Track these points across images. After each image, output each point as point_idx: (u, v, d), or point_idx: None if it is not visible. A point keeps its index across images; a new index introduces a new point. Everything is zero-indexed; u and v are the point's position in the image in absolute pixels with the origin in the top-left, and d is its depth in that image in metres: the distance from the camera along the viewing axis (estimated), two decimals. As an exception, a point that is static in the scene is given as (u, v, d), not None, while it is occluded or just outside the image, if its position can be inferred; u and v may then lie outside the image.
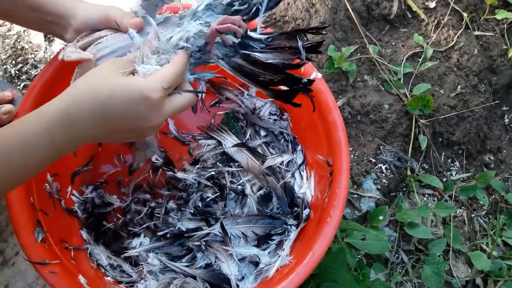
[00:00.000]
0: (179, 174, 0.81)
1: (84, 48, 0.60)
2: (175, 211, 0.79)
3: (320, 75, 0.76)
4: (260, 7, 0.58)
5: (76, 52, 0.58)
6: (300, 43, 0.58)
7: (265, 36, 0.58)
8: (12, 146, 0.48)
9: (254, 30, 0.59)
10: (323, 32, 0.69)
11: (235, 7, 0.58)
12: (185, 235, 0.77)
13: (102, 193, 0.79)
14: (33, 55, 0.95)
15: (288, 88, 0.61)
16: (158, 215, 0.78)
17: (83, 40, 0.61)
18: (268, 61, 0.58)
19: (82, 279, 0.65)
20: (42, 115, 0.50)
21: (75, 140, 0.51)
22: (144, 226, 0.78)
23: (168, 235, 0.77)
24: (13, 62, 0.94)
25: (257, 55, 0.58)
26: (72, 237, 0.73)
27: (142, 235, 0.78)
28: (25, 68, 0.93)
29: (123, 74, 0.52)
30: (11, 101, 0.86)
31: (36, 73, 0.93)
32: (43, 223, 0.66)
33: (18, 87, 0.91)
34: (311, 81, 0.61)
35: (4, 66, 0.93)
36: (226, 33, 0.57)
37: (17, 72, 0.93)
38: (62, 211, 0.74)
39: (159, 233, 0.77)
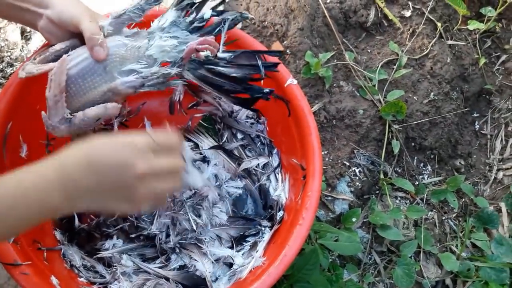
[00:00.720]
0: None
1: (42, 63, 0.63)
2: (147, 214, 0.80)
3: (295, 82, 0.78)
4: (222, 28, 0.68)
5: (37, 67, 0.61)
6: (259, 62, 0.68)
7: (229, 55, 0.67)
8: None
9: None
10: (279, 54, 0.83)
11: (195, 24, 0.68)
12: (159, 240, 0.77)
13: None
14: (9, 53, 0.94)
15: (249, 96, 0.70)
16: (131, 218, 0.78)
17: (40, 56, 0.64)
18: (231, 75, 0.67)
19: (54, 280, 0.65)
20: (38, 166, 0.49)
21: (67, 192, 0.49)
22: (118, 227, 0.78)
23: (141, 237, 0.78)
24: (-12, 60, 0.93)
25: (221, 69, 0.66)
26: (45, 238, 0.73)
27: (115, 236, 0.78)
28: (0, 66, 0.92)
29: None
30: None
31: (12, 71, 0.92)
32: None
33: (-7, 86, 0.90)
34: (271, 91, 0.70)
35: (-21, 64, 0.92)
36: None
37: (-8, 70, 0.92)
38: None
39: (132, 235, 0.78)
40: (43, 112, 0.62)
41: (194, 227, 0.76)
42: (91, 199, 0.50)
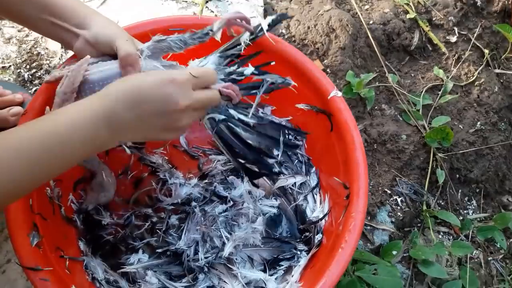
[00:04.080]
0: (185, 188, 0.77)
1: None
2: (175, 228, 0.75)
3: (340, 94, 0.74)
4: (258, 91, 0.66)
5: (59, 71, 0.62)
6: (281, 138, 0.67)
7: (254, 121, 0.65)
8: (56, 134, 0.48)
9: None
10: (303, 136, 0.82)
11: (233, 76, 0.66)
12: (187, 257, 0.72)
13: (98, 206, 0.75)
14: (48, 61, 0.94)
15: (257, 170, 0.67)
16: (159, 231, 0.73)
17: (69, 66, 0.63)
18: (248, 141, 0.64)
19: (74, 291, 0.60)
20: (77, 108, 0.51)
21: (112, 124, 0.51)
22: (144, 241, 0.74)
23: (168, 253, 0.72)
24: (28, 66, 0.93)
25: (240, 131, 0.64)
26: (68, 247, 0.69)
27: (141, 251, 0.73)
28: (39, 73, 0.92)
29: None
30: (20, 104, 0.84)
31: (50, 78, 0.92)
32: (40, 227, 0.62)
33: (29, 91, 0.89)
34: (280, 173, 0.72)
35: (18, 70, 0.92)
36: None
37: (30, 76, 0.92)
38: (61, 218, 0.71)
39: (159, 250, 0.73)
40: (47, 108, 0.62)
41: (226, 245, 0.71)
42: (135, 131, 0.54)
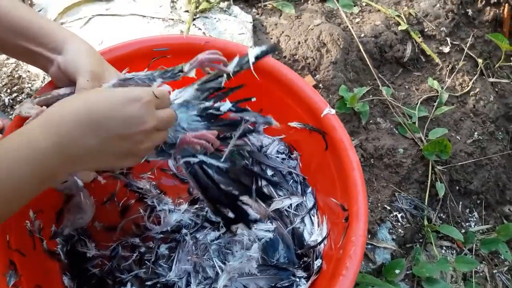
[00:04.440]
0: (175, 215, 0.73)
1: (41, 105, 0.60)
2: (165, 258, 0.71)
3: (333, 111, 0.70)
4: (232, 135, 0.62)
5: (34, 109, 0.57)
6: (254, 187, 0.65)
7: (226, 166, 0.61)
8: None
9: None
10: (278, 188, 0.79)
11: (209, 111, 0.61)
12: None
13: (83, 237, 0.71)
14: (29, 85, 0.90)
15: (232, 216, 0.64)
16: (148, 262, 0.69)
17: (41, 97, 0.60)
18: (220, 185, 0.61)
19: (56, 334, 0.56)
20: (24, 134, 0.46)
21: (65, 154, 0.46)
22: (132, 274, 0.69)
23: (158, 285, 0.68)
24: (8, 90, 0.89)
25: (214, 174, 0.61)
26: (50, 283, 0.65)
27: (129, 284, 0.69)
28: (20, 98, 0.89)
29: None
30: (0, 131, 0.80)
31: (31, 103, 0.88)
32: (18, 265, 0.58)
33: (10, 117, 0.85)
34: (256, 221, 0.69)
35: (-2, 95, 0.88)
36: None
37: (11, 101, 0.88)
38: (42, 252, 0.66)
39: (148, 283, 0.68)
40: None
41: (220, 278, 0.66)
42: (93, 158, 0.48)
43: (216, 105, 0.61)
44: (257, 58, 0.63)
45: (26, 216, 0.65)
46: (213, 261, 0.68)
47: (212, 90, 0.63)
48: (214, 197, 0.62)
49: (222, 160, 0.60)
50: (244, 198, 0.67)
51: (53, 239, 0.69)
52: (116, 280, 0.69)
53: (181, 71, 0.61)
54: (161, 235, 0.72)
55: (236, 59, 0.63)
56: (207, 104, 0.61)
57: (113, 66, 0.68)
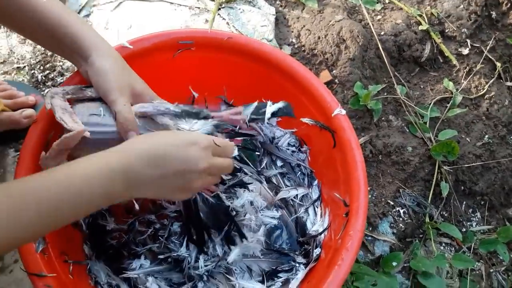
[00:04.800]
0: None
1: (72, 100, 0.64)
2: (177, 235, 0.77)
3: (344, 112, 0.74)
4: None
5: (71, 121, 0.60)
6: (226, 228, 0.73)
7: (212, 201, 0.71)
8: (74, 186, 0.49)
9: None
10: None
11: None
12: (188, 264, 0.74)
13: (104, 212, 0.77)
14: (61, 63, 0.96)
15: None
16: (161, 238, 0.75)
17: (73, 94, 0.64)
18: (200, 212, 0.71)
19: (77, 296, 0.63)
20: (95, 161, 0.51)
21: (131, 180, 0.52)
22: (147, 247, 0.76)
23: (169, 260, 0.74)
24: (41, 67, 0.95)
25: (199, 200, 0.71)
26: (73, 251, 0.71)
27: (143, 256, 0.75)
28: (52, 75, 0.94)
29: None
30: (33, 106, 0.86)
31: (62, 80, 0.94)
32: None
33: (42, 93, 0.91)
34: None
35: (32, 71, 0.94)
36: None
37: (43, 78, 0.94)
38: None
39: (160, 256, 0.75)
40: (43, 153, 0.62)
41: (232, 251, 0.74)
42: (150, 189, 0.54)
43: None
44: (273, 114, 0.72)
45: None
46: (222, 241, 0.74)
47: (227, 131, 0.74)
48: (191, 218, 0.72)
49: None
50: (252, 187, 0.74)
51: (83, 218, 0.76)
52: (131, 252, 0.76)
53: (206, 117, 0.68)
54: (175, 214, 0.78)
55: (254, 106, 0.72)
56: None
57: (140, 56, 0.73)
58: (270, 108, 0.71)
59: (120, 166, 0.51)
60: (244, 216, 0.77)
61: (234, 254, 0.74)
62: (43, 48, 0.96)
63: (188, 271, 0.74)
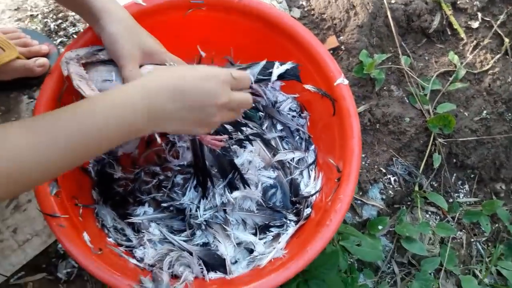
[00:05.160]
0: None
1: (86, 63, 0.67)
2: (180, 186, 0.82)
3: (346, 82, 0.77)
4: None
5: (88, 88, 0.63)
6: (230, 176, 0.79)
7: (219, 152, 0.77)
8: (97, 116, 0.50)
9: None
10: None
11: None
12: (189, 211, 0.80)
13: (112, 161, 0.82)
14: (73, 13, 0.97)
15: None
16: (165, 189, 0.81)
17: (86, 59, 0.67)
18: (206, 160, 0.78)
19: (86, 236, 0.69)
20: (119, 95, 0.53)
21: (153, 114, 0.54)
22: (151, 196, 0.81)
23: (171, 208, 0.80)
24: (54, 17, 0.96)
25: (206, 149, 0.77)
26: (82, 195, 0.77)
27: (147, 204, 0.81)
28: (64, 25, 0.96)
29: None
30: (46, 55, 0.89)
31: (74, 31, 0.96)
32: (59, 178, 0.70)
33: (54, 42, 0.94)
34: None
35: (45, 20, 0.96)
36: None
37: (56, 27, 0.96)
38: (78, 169, 0.78)
39: (164, 204, 0.81)
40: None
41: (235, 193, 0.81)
42: (171, 122, 0.56)
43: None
44: (280, 77, 0.72)
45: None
46: (223, 190, 0.80)
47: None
48: (198, 165, 0.78)
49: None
50: (251, 148, 0.79)
51: (93, 166, 0.81)
52: (136, 199, 0.82)
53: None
54: (178, 168, 0.84)
55: (261, 65, 0.72)
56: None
57: (152, 13, 0.75)
58: (278, 70, 0.71)
59: (142, 102, 0.53)
60: (247, 171, 0.82)
61: (238, 193, 0.80)
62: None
63: (189, 219, 0.80)
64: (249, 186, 0.80)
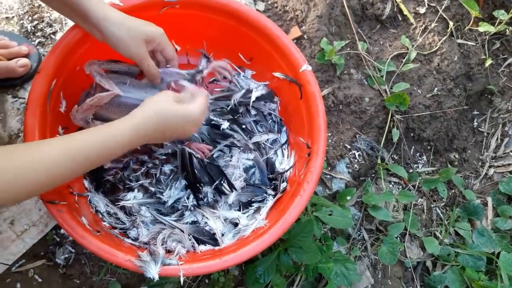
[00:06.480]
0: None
1: (104, 70, 0.80)
2: (167, 176, 0.89)
3: (310, 68, 0.86)
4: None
5: (106, 82, 0.77)
6: (217, 182, 0.89)
7: (207, 161, 0.90)
8: (94, 147, 0.63)
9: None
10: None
11: (213, 122, 0.92)
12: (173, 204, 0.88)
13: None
14: (48, 14, 1.01)
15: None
16: (154, 177, 0.88)
17: (106, 65, 0.80)
18: (195, 169, 0.89)
19: (84, 220, 0.75)
20: (117, 127, 0.66)
21: (140, 139, 0.69)
22: (140, 183, 0.88)
23: (158, 195, 0.87)
24: (30, 18, 1.00)
25: (194, 160, 0.88)
26: (76, 184, 0.83)
27: (136, 190, 0.88)
28: (41, 26, 1.00)
29: (177, 102, 0.73)
30: (26, 56, 0.93)
31: (51, 31, 1.00)
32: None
33: (33, 43, 0.98)
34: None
35: (21, 21, 0.99)
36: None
37: (32, 28, 0.99)
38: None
39: (152, 189, 0.88)
40: (75, 106, 0.78)
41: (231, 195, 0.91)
42: (158, 141, 0.74)
43: (219, 119, 0.91)
44: (257, 98, 0.94)
45: (57, 132, 0.81)
46: (212, 195, 0.88)
47: (220, 107, 0.92)
48: (187, 172, 0.88)
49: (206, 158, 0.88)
50: (237, 135, 0.91)
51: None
52: (126, 186, 0.88)
53: (199, 71, 0.86)
54: (164, 157, 0.90)
55: (242, 92, 0.95)
56: (212, 117, 0.91)
57: (129, 12, 0.81)
58: (255, 93, 0.94)
59: (138, 131, 0.67)
60: (231, 158, 0.92)
61: (233, 196, 0.90)
62: (30, -1, 1.01)
63: (177, 206, 0.87)
64: (235, 189, 0.89)
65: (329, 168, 1.15)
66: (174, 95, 0.74)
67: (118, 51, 0.72)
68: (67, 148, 0.60)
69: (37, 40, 0.99)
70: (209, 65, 0.90)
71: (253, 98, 0.93)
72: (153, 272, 0.69)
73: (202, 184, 0.88)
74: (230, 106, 0.94)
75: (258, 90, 0.93)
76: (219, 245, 0.82)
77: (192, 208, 0.87)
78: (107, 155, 0.65)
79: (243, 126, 0.94)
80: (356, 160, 1.20)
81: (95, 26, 0.70)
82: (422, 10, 1.34)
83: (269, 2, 1.15)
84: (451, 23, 1.37)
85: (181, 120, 0.71)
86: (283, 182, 0.90)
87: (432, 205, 1.41)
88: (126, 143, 0.66)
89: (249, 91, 0.94)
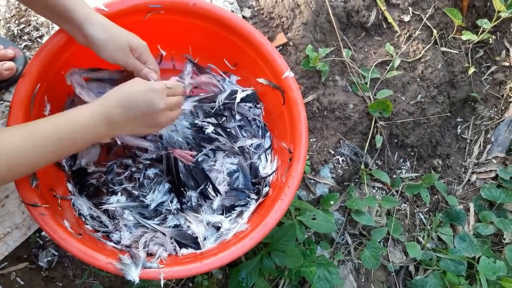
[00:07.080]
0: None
1: (86, 79, 0.82)
2: (150, 180, 0.90)
3: (292, 75, 0.87)
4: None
5: (86, 94, 0.80)
6: (202, 186, 0.91)
7: (192, 165, 0.91)
8: (61, 133, 0.65)
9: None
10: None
11: (198, 126, 0.94)
12: (156, 207, 0.89)
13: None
14: (35, 18, 1.02)
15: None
16: (137, 181, 0.89)
17: (87, 74, 0.82)
18: (180, 174, 0.90)
19: (66, 223, 0.76)
20: (83, 110, 0.68)
21: (110, 123, 0.68)
22: (123, 186, 0.89)
23: (141, 198, 0.88)
24: (17, 21, 1.01)
25: (180, 164, 0.91)
26: (59, 187, 0.83)
27: (120, 193, 0.89)
28: (27, 29, 1.00)
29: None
30: (12, 59, 0.93)
31: (38, 35, 1.00)
32: (37, 173, 0.76)
33: (19, 47, 0.98)
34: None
35: (8, 25, 1.00)
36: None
37: (19, 31, 1.00)
38: (53, 164, 0.84)
39: (135, 192, 0.88)
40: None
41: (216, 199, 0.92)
42: (126, 127, 0.71)
43: (203, 123, 0.93)
44: (242, 99, 0.95)
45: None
46: (199, 195, 0.89)
47: (204, 110, 0.93)
48: (172, 175, 0.89)
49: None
50: (221, 139, 0.93)
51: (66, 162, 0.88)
52: (109, 190, 0.89)
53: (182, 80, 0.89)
54: (148, 161, 0.91)
55: (227, 93, 0.96)
56: (197, 121, 0.93)
57: (114, 17, 0.82)
58: (240, 95, 0.95)
59: (101, 113, 0.68)
60: (215, 162, 0.93)
61: (217, 201, 0.91)
62: (17, 2, 1.02)
63: (160, 210, 0.88)
64: (220, 194, 0.91)
65: (313, 173, 1.17)
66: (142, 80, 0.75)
67: (101, 55, 0.72)
68: (30, 135, 0.61)
69: (24, 44, 0.99)
70: (193, 80, 0.93)
71: (238, 99, 0.93)
72: (134, 275, 0.70)
73: (186, 188, 0.89)
74: (214, 109, 0.94)
75: (243, 91, 0.94)
76: (200, 249, 0.83)
77: (175, 212, 0.87)
78: (73, 139, 0.65)
79: (228, 130, 0.96)
80: (340, 166, 1.22)
81: (79, 29, 0.71)
82: (406, 18, 1.37)
83: (255, 9, 1.16)
84: (435, 31, 1.40)
85: (142, 92, 0.70)
86: (265, 186, 0.91)
87: (415, 211, 1.43)
88: (91, 125, 0.66)
89: (234, 91, 0.94)
